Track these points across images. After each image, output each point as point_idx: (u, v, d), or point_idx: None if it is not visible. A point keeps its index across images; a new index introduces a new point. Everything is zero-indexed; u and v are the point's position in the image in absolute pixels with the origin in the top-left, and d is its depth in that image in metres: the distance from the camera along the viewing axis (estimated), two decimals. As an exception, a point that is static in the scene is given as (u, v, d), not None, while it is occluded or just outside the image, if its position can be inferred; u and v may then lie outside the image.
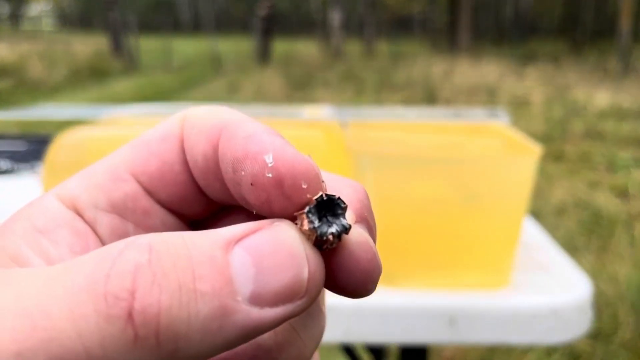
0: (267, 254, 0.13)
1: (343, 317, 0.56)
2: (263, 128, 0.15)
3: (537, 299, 0.56)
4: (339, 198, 0.14)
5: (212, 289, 0.12)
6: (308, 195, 0.15)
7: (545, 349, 1.48)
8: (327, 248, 0.14)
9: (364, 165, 0.56)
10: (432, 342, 0.57)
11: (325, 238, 0.14)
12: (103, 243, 0.17)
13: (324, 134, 0.60)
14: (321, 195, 0.14)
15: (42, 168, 0.59)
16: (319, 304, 0.18)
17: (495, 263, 0.58)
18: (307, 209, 0.14)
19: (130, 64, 9.57)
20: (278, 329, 0.16)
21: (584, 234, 2.27)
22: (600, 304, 1.68)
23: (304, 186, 0.14)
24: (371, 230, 0.16)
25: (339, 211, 0.14)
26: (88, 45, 9.98)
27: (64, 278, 0.12)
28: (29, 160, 0.98)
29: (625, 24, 8.04)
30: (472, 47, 10.90)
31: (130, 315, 0.11)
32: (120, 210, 0.17)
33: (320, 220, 0.14)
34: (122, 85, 7.10)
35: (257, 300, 0.13)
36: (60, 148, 0.58)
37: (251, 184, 0.15)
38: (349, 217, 0.15)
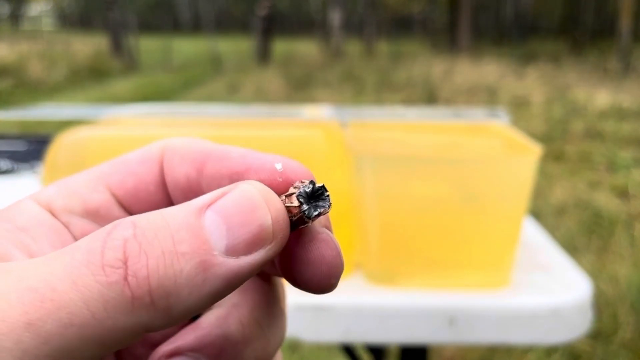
0: (233, 211, 0.15)
1: (343, 317, 0.56)
2: (250, 150, 0.18)
3: (537, 299, 0.56)
4: (328, 195, 0.17)
5: (191, 249, 0.14)
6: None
7: (545, 349, 1.48)
8: (301, 222, 0.16)
9: (364, 165, 0.56)
10: (432, 342, 0.57)
11: (305, 219, 0.16)
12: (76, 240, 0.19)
13: (324, 134, 0.60)
14: (312, 181, 0.17)
15: (42, 168, 0.59)
16: (282, 306, 0.20)
17: (495, 263, 0.58)
18: (300, 189, 0.16)
19: (130, 64, 9.58)
20: (246, 324, 0.18)
21: (584, 234, 2.27)
22: (600, 304, 1.68)
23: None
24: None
25: (321, 203, 0.17)
26: (88, 45, 9.98)
27: (61, 259, 0.14)
28: (29, 160, 0.98)
29: (625, 24, 8.04)
30: (472, 47, 10.90)
31: (125, 280, 0.13)
32: (93, 216, 0.19)
33: (308, 201, 0.16)
34: (122, 85, 7.10)
35: (232, 251, 0.14)
36: (60, 148, 0.58)
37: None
38: (320, 226, 0.17)
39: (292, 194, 0.16)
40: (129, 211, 0.20)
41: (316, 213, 0.16)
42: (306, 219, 0.16)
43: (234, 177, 0.18)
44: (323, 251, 0.17)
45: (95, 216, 0.19)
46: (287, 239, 0.16)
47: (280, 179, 0.17)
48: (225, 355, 0.18)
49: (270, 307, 0.19)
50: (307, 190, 0.16)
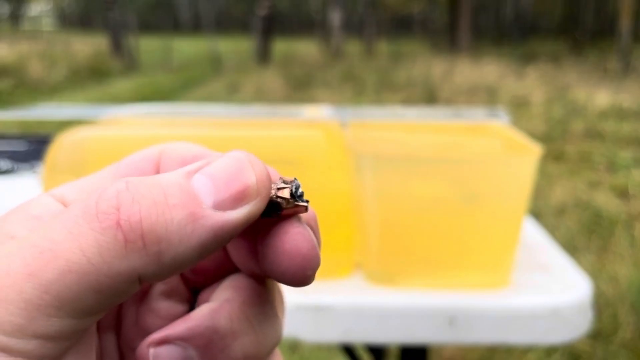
0: (219, 172, 0.16)
1: (343, 317, 0.56)
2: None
3: (537, 299, 0.56)
4: (302, 193, 0.18)
5: (181, 202, 0.15)
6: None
7: (545, 349, 1.48)
8: (278, 214, 0.18)
9: (364, 165, 0.56)
10: (432, 342, 0.57)
11: (292, 196, 0.18)
12: None
13: (324, 134, 0.60)
14: (295, 180, 0.18)
15: (42, 168, 0.59)
16: (275, 307, 0.21)
17: (495, 263, 0.58)
18: (287, 181, 0.18)
19: (130, 64, 9.57)
20: (235, 318, 0.19)
21: (584, 234, 2.27)
22: (600, 304, 1.68)
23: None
24: (316, 235, 0.19)
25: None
26: (88, 45, 9.98)
27: (59, 216, 0.15)
28: (29, 160, 0.98)
29: (625, 24, 8.04)
30: (472, 47, 10.90)
31: (118, 224, 0.14)
32: None
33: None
34: (122, 85, 7.10)
35: (219, 205, 0.16)
36: (60, 148, 0.58)
37: None
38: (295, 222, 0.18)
39: (284, 187, 0.18)
40: None
41: (303, 202, 0.18)
42: (297, 200, 0.18)
43: None
44: (298, 243, 0.17)
45: None
46: (269, 196, 0.17)
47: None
48: (213, 347, 0.18)
49: (262, 307, 0.20)
50: (298, 183, 0.18)
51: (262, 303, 0.20)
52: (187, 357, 0.18)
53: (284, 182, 0.18)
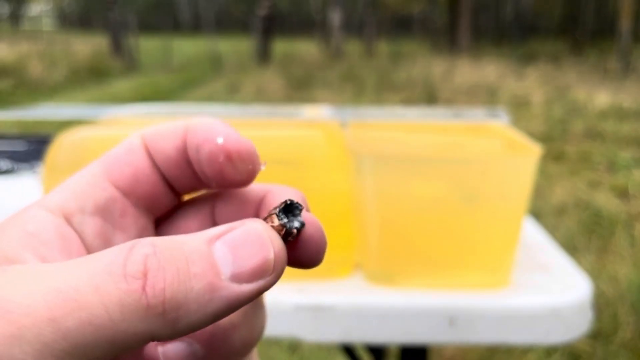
0: (240, 244, 0.17)
1: (343, 317, 0.56)
2: (218, 122, 0.21)
3: (537, 299, 0.56)
4: (297, 202, 0.19)
5: (202, 271, 0.16)
6: (250, 167, 0.21)
7: (545, 349, 1.48)
8: (290, 240, 0.18)
9: (364, 165, 0.56)
10: (432, 342, 0.57)
11: (291, 231, 0.18)
12: (86, 245, 0.21)
13: (324, 134, 0.60)
14: (286, 201, 0.18)
15: (42, 168, 0.59)
16: (262, 299, 0.23)
17: (495, 263, 0.58)
18: (277, 210, 0.18)
19: (130, 64, 9.57)
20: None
21: (584, 234, 2.27)
22: (600, 304, 1.68)
23: (250, 166, 0.21)
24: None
25: (297, 212, 0.19)
26: (88, 45, 9.98)
27: (85, 266, 0.15)
28: (29, 160, 0.98)
29: (625, 24, 8.04)
30: (472, 47, 10.90)
31: (144, 290, 0.15)
32: (103, 212, 0.21)
33: (287, 217, 0.18)
34: (122, 85, 7.10)
35: (236, 278, 0.16)
36: (60, 148, 0.58)
37: (209, 159, 0.21)
38: (304, 215, 0.19)
39: (272, 214, 0.18)
40: (132, 200, 0.22)
41: (297, 225, 0.18)
42: (293, 230, 0.18)
43: (199, 148, 0.21)
44: (310, 232, 0.19)
45: (106, 212, 0.21)
46: (284, 271, 0.18)
47: (221, 152, 0.20)
48: (216, 341, 0.20)
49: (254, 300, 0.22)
50: (282, 207, 0.18)
51: None
52: (192, 351, 0.20)
53: (277, 216, 0.18)
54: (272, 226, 0.18)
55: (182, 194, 0.23)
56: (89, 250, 0.20)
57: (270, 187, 0.22)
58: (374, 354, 0.80)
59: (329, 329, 0.56)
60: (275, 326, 0.56)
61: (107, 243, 0.21)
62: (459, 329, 0.55)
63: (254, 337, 0.22)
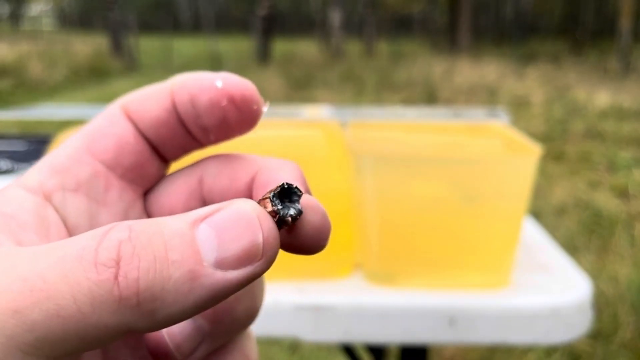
0: (226, 226, 0.15)
1: (343, 317, 0.56)
2: (207, 73, 0.20)
3: (537, 299, 0.56)
4: (296, 187, 0.17)
5: (181, 257, 0.14)
6: (255, 107, 0.19)
7: (545, 349, 1.48)
8: (285, 227, 0.17)
9: (364, 165, 0.56)
10: (432, 342, 0.57)
11: (284, 219, 0.16)
12: (68, 226, 0.19)
13: (324, 134, 0.60)
14: (282, 185, 0.17)
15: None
16: None
17: (495, 263, 0.58)
18: (271, 194, 0.17)
19: (130, 64, 9.57)
20: None
21: (584, 234, 2.27)
22: (600, 304, 1.68)
23: (254, 107, 0.19)
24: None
25: (295, 197, 0.17)
26: (88, 45, 9.98)
27: (56, 252, 0.14)
28: (29, 160, 0.98)
29: (625, 24, 8.04)
30: (472, 47, 10.89)
31: (116, 279, 0.14)
32: (86, 188, 0.20)
33: (282, 203, 0.17)
34: (122, 85, 7.09)
35: (221, 264, 0.15)
36: (60, 148, 0.58)
37: (209, 107, 0.19)
38: (304, 199, 0.17)
39: (266, 198, 0.17)
40: (117, 173, 0.20)
41: (292, 213, 0.17)
42: (287, 218, 0.16)
43: (194, 100, 0.19)
44: (311, 217, 0.17)
45: (89, 188, 0.20)
46: (276, 257, 0.16)
47: (223, 96, 0.19)
48: (220, 314, 0.19)
49: None
50: (276, 191, 0.17)
51: None
52: (198, 327, 0.19)
53: (271, 201, 0.17)
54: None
55: (170, 160, 0.22)
56: (71, 231, 0.19)
57: (264, 162, 0.20)
58: (374, 354, 0.80)
59: (329, 329, 0.56)
60: (275, 326, 0.56)
61: (92, 222, 0.20)
62: (459, 329, 0.55)
63: (256, 305, 0.20)
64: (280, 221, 0.16)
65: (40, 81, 6.80)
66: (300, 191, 0.17)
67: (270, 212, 0.16)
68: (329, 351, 1.51)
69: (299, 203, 0.17)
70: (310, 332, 0.56)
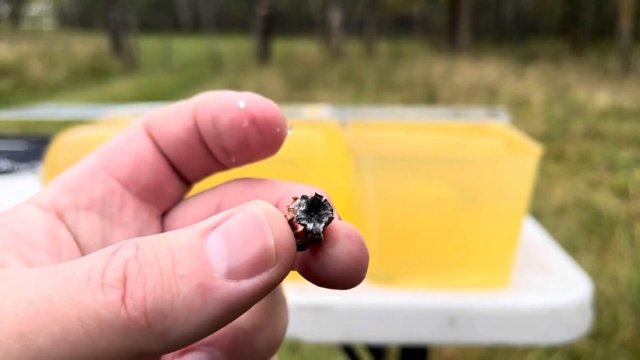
0: (236, 233, 0.14)
1: (343, 317, 0.56)
2: (231, 92, 0.19)
3: (537, 299, 0.56)
4: (325, 200, 0.15)
5: (190, 271, 0.13)
6: (277, 130, 0.19)
7: (545, 349, 1.48)
8: (315, 243, 0.15)
9: (364, 165, 0.56)
10: (432, 342, 0.57)
11: (309, 234, 0.15)
12: (81, 245, 0.19)
13: (324, 134, 0.60)
14: (315, 196, 0.15)
15: (42, 168, 0.59)
16: (283, 293, 0.20)
17: (495, 263, 0.58)
18: (297, 203, 0.15)
19: (130, 64, 9.57)
20: (255, 311, 0.18)
21: (584, 234, 2.27)
22: (600, 304, 1.68)
23: (277, 130, 0.19)
24: None
25: (323, 213, 0.15)
26: (88, 45, 9.98)
27: (64, 272, 0.14)
28: (29, 160, 0.98)
29: (625, 24, 8.04)
30: (472, 47, 10.89)
31: (123, 301, 0.13)
32: (99, 207, 0.19)
33: (309, 217, 0.15)
34: (122, 85, 7.09)
35: (232, 274, 0.14)
36: (60, 148, 0.58)
37: (230, 128, 0.18)
38: (340, 225, 0.16)
39: (292, 219, 0.15)
40: (133, 192, 0.20)
41: (322, 225, 0.15)
42: (317, 237, 0.15)
43: (215, 120, 0.19)
44: (349, 247, 0.16)
45: (102, 206, 0.19)
46: (294, 261, 0.15)
47: (245, 117, 0.18)
48: (238, 346, 0.18)
49: (274, 294, 0.19)
50: (303, 208, 0.15)
51: (275, 291, 0.19)
52: (214, 359, 0.18)
53: (307, 210, 0.15)
54: (295, 233, 0.15)
55: (191, 181, 0.21)
56: (84, 251, 0.18)
57: (290, 187, 0.19)
58: (374, 354, 0.80)
59: (329, 329, 0.56)
60: (275, 326, 0.55)
61: (105, 241, 0.19)
62: (459, 329, 0.55)
63: (278, 336, 0.19)
64: (307, 234, 0.15)
65: (40, 81, 6.80)
66: (330, 206, 0.16)
67: (299, 233, 0.15)
68: (329, 351, 1.51)
69: (327, 216, 0.15)
70: (310, 332, 0.56)
